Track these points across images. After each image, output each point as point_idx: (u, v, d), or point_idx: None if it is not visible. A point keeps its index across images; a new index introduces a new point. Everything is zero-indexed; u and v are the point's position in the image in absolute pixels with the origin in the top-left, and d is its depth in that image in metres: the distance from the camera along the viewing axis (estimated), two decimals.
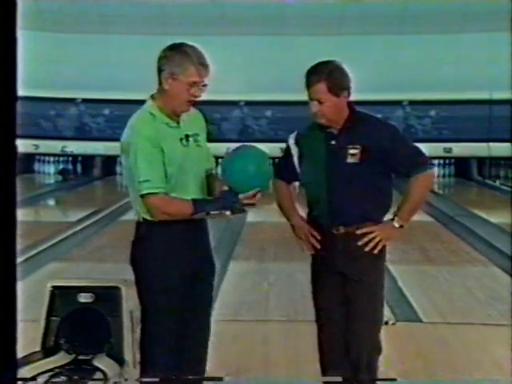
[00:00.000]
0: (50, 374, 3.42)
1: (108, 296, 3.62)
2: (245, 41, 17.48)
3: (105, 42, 17.74)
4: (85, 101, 17.96)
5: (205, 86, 3.58)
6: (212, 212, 3.54)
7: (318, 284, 3.93)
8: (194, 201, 3.54)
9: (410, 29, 17.33)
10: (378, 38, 17.30)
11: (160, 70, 3.56)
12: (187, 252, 3.62)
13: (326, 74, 3.72)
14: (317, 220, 3.87)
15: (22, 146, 14.19)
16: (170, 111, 3.59)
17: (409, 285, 7.18)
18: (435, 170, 17.75)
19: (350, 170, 3.77)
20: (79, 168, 18.52)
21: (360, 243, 3.77)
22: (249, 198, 3.55)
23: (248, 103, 17.74)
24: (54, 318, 3.61)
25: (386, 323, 5.79)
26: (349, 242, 3.79)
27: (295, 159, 3.92)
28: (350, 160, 3.77)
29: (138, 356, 3.63)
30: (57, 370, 3.44)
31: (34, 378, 3.34)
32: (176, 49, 3.56)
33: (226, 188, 3.58)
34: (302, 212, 3.98)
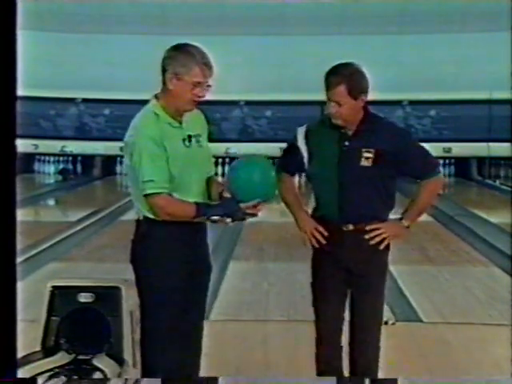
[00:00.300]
0: (49, 373, 3.42)
1: (108, 296, 3.62)
2: (245, 41, 17.47)
3: (105, 42, 17.73)
4: (85, 100, 17.96)
5: (209, 86, 3.59)
6: (213, 217, 3.55)
7: (319, 276, 3.95)
8: (197, 204, 3.55)
9: (410, 29, 17.33)
10: (378, 37, 17.29)
11: (164, 70, 3.57)
12: (186, 251, 3.63)
13: (347, 77, 3.73)
14: (324, 217, 3.89)
15: (22, 145, 14.18)
16: (173, 111, 3.60)
17: (409, 285, 7.18)
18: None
19: (363, 172, 3.80)
20: (79, 168, 18.51)
21: (367, 236, 3.82)
22: (251, 207, 3.56)
23: (248, 103, 17.74)
24: (53, 318, 3.61)
25: (386, 323, 5.79)
26: (357, 239, 3.84)
27: (304, 154, 3.91)
28: (363, 163, 3.80)
29: (138, 356, 3.63)
30: (57, 370, 3.44)
31: (34, 378, 3.33)
32: (180, 49, 3.57)
33: (228, 195, 3.59)
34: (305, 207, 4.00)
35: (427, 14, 17.32)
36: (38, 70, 16.10)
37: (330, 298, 3.92)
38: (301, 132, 3.94)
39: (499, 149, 16.68)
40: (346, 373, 3.98)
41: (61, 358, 3.48)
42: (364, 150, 3.80)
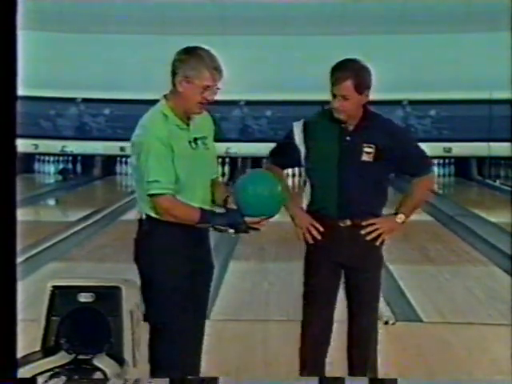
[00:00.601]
0: (49, 373, 3.41)
1: (108, 296, 3.61)
2: (245, 41, 17.47)
3: (105, 41, 17.72)
4: (85, 100, 17.95)
5: (218, 89, 3.62)
6: (216, 226, 3.57)
7: (312, 270, 3.97)
8: (202, 210, 3.56)
9: (410, 29, 17.32)
10: (378, 37, 17.29)
11: (174, 73, 3.60)
12: (189, 250, 3.65)
13: (355, 72, 3.79)
14: (321, 211, 3.90)
15: (22, 145, 14.18)
16: (181, 113, 3.63)
17: (409, 285, 7.18)
18: (435, 169, 17.80)
19: (363, 167, 3.84)
20: (79, 168, 18.50)
21: (363, 232, 3.86)
22: (255, 222, 3.59)
23: (248, 103, 17.74)
24: (54, 318, 3.61)
25: (386, 323, 5.80)
26: (354, 234, 3.87)
27: (301, 149, 3.92)
28: (364, 158, 3.85)
29: (137, 356, 3.63)
30: (57, 370, 3.43)
31: (34, 378, 3.33)
32: (191, 52, 3.60)
33: (233, 206, 3.62)
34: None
35: (427, 13, 17.32)
36: (38, 70, 16.08)
37: (324, 294, 3.95)
38: (297, 127, 3.96)
39: (499, 149, 16.67)
40: (346, 373, 3.99)
41: (61, 358, 3.48)
42: (365, 145, 3.85)
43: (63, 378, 3.39)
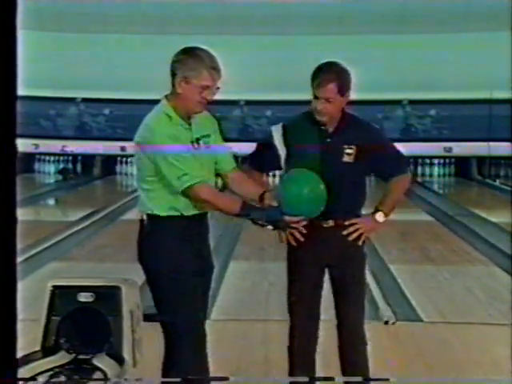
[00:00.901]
0: (49, 373, 3.41)
1: (108, 295, 3.62)
2: (245, 41, 17.46)
3: (105, 41, 17.72)
4: (85, 100, 17.95)
5: (217, 88, 3.64)
6: (256, 219, 3.59)
7: (297, 269, 4.03)
8: (243, 202, 3.59)
9: (410, 29, 17.32)
10: (378, 37, 17.28)
11: (173, 74, 3.61)
12: (192, 248, 3.67)
13: (338, 75, 3.82)
14: None
15: (22, 145, 14.18)
16: (183, 113, 3.65)
17: (409, 285, 7.18)
18: (435, 169, 17.83)
19: (345, 168, 3.90)
20: (79, 167, 18.51)
21: (345, 232, 3.92)
22: (294, 222, 3.65)
23: (248, 103, 17.74)
24: (54, 318, 3.61)
25: (387, 323, 5.80)
26: (337, 234, 3.93)
27: (281, 152, 3.95)
28: (345, 159, 3.91)
29: (138, 356, 3.63)
30: (57, 370, 3.43)
31: (34, 378, 3.33)
32: (189, 53, 3.62)
33: (275, 203, 3.65)
34: None
35: (427, 13, 17.31)
36: (38, 70, 16.08)
37: (308, 294, 4.00)
38: (277, 130, 3.98)
39: (499, 148, 16.67)
40: (339, 374, 4.01)
41: (61, 358, 3.48)
42: (346, 146, 3.91)
43: (63, 377, 3.39)
